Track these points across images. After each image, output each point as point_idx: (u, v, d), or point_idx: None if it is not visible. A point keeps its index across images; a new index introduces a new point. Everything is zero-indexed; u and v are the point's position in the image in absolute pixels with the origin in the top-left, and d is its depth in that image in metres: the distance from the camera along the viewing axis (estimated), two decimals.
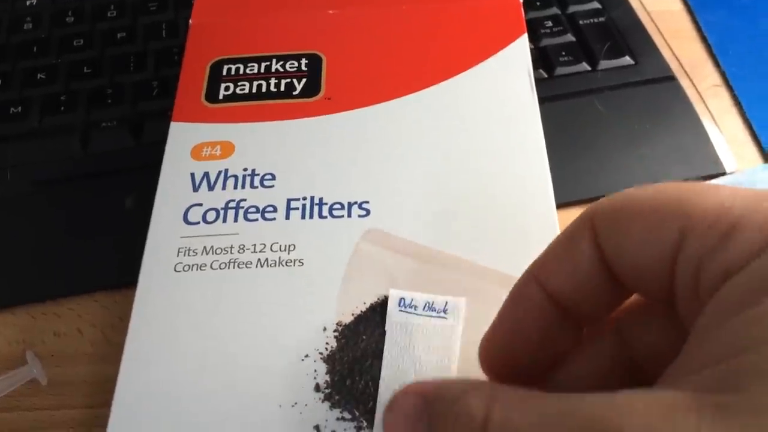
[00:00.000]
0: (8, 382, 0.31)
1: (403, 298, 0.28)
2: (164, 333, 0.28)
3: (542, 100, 0.35)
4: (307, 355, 0.27)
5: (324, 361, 0.27)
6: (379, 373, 0.26)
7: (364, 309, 0.28)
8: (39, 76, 0.41)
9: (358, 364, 0.27)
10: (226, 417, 0.26)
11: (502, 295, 0.27)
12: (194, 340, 0.27)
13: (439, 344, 0.27)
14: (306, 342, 0.27)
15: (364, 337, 0.27)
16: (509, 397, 0.17)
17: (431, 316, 0.27)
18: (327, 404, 0.26)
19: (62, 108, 0.39)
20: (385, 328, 0.27)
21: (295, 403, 0.26)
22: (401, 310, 0.27)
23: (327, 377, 0.26)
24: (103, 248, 0.35)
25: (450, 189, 0.31)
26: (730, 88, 0.40)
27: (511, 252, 0.29)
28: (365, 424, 0.25)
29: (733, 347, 0.14)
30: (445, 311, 0.27)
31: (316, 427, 0.25)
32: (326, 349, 0.27)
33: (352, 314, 0.28)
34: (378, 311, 0.28)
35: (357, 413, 0.26)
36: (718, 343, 0.15)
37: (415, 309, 0.27)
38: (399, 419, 0.20)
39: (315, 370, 0.27)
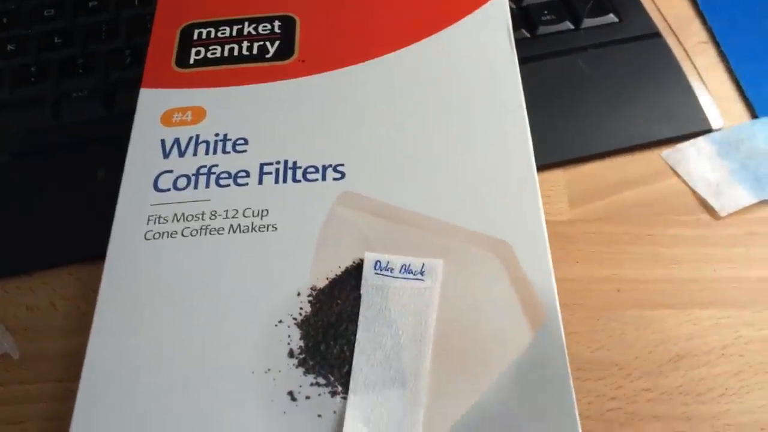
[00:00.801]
0: None
1: (379, 261, 0.27)
2: (134, 302, 0.27)
3: (524, 60, 0.34)
4: (280, 321, 0.26)
5: (298, 327, 0.26)
6: (355, 338, 0.26)
7: (339, 273, 0.27)
8: (9, 47, 0.40)
9: (333, 328, 0.26)
10: (197, 385, 0.25)
11: (480, 256, 0.26)
12: (165, 309, 0.27)
13: (415, 307, 0.26)
14: (279, 307, 0.26)
15: (339, 301, 0.26)
16: None
17: (408, 279, 0.27)
18: (301, 370, 0.25)
19: (33, 79, 0.38)
20: (361, 292, 0.26)
21: (269, 369, 0.25)
22: (377, 273, 0.27)
23: (301, 342, 0.26)
24: (76, 220, 0.34)
25: (427, 150, 0.30)
26: (717, 45, 0.39)
27: (489, 214, 0.28)
28: (340, 389, 0.25)
29: None
30: (422, 273, 0.27)
31: (290, 393, 0.25)
32: (300, 314, 0.26)
33: (327, 278, 0.27)
34: (353, 275, 0.27)
35: (332, 378, 0.25)
36: None
37: (391, 272, 0.27)
38: None
39: (289, 336, 0.26)
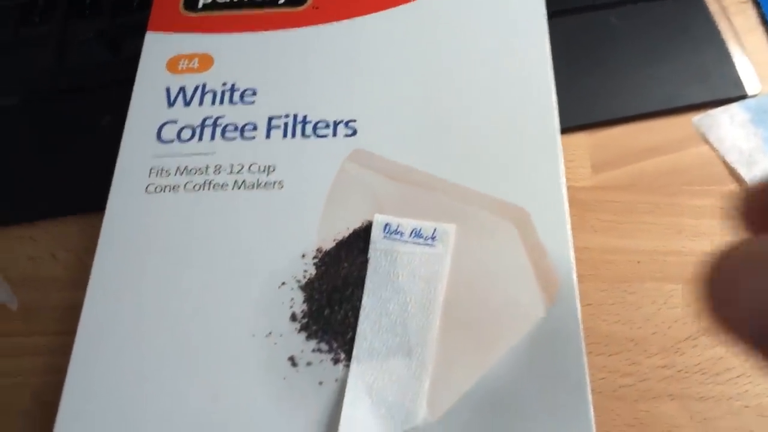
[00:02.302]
0: None
1: (389, 224, 0.26)
2: (133, 257, 0.26)
3: (553, 14, 0.32)
4: (283, 283, 0.25)
5: (302, 290, 0.25)
6: (360, 303, 0.24)
7: (346, 235, 0.26)
8: None
9: (338, 293, 0.25)
10: (196, 345, 0.24)
11: (495, 222, 0.25)
12: (164, 265, 0.26)
13: (425, 273, 0.25)
14: (283, 269, 0.25)
15: (345, 264, 0.25)
16: None
17: (418, 244, 0.25)
18: (303, 335, 0.24)
19: (38, 19, 0.37)
20: (368, 256, 0.25)
21: (270, 333, 0.24)
22: (386, 237, 0.25)
23: (304, 306, 0.25)
24: (81, 169, 0.33)
25: (444, 108, 0.28)
26: (757, 6, 0.36)
27: (507, 177, 0.26)
28: (343, 356, 0.24)
29: None
30: (433, 238, 0.25)
31: (291, 359, 0.24)
32: (305, 276, 0.25)
33: (334, 240, 0.26)
34: (361, 237, 0.26)
35: (335, 344, 0.24)
36: None
37: (401, 236, 0.26)
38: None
39: (292, 299, 0.25)
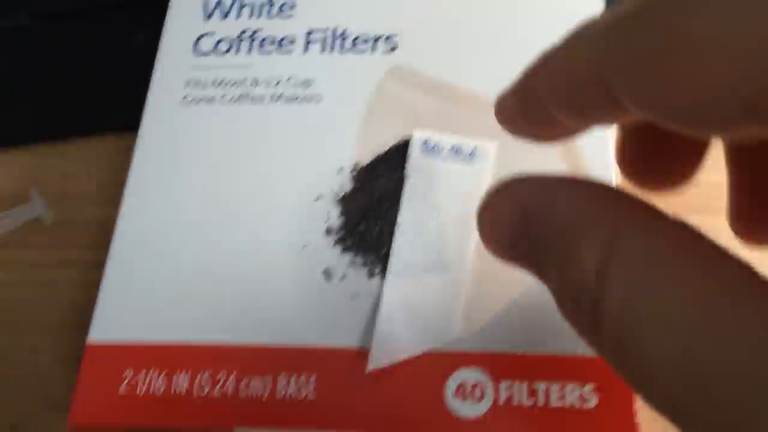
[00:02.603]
0: (12, 218, 0.29)
1: (428, 141, 0.25)
2: (169, 168, 0.26)
3: None
4: (320, 196, 0.25)
5: (338, 204, 0.25)
6: (396, 219, 0.24)
7: (384, 150, 0.25)
8: None
9: (374, 208, 0.24)
10: (230, 256, 0.24)
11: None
12: (199, 177, 0.25)
13: (463, 191, 0.24)
14: (320, 183, 0.25)
15: (382, 180, 0.25)
16: (640, 253, 0.12)
17: (457, 161, 0.25)
18: (338, 248, 0.24)
19: None
20: (406, 173, 0.25)
21: (305, 246, 0.24)
22: (424, 154, 0.25)
23: (340, 220, 0.24)
24: (115, 87, 0.32)
25: (487, 25, 0.27)
26: None
27: None
28: (377, 270, 0.23)
29: None
30: (472, 156, 0.25)
31: (326, 271, 0.23)
32: (341, 191, 0.25)
33: (372, 156, 0.25)
34: (399, 153, 0.25)
35: (369, 259, 0.23)
36: None
37: (439, 153, 0.25)
38: (495, 228, 0.15)
39: (328, 213, 0.24)
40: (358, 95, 0.26)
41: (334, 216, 0.24)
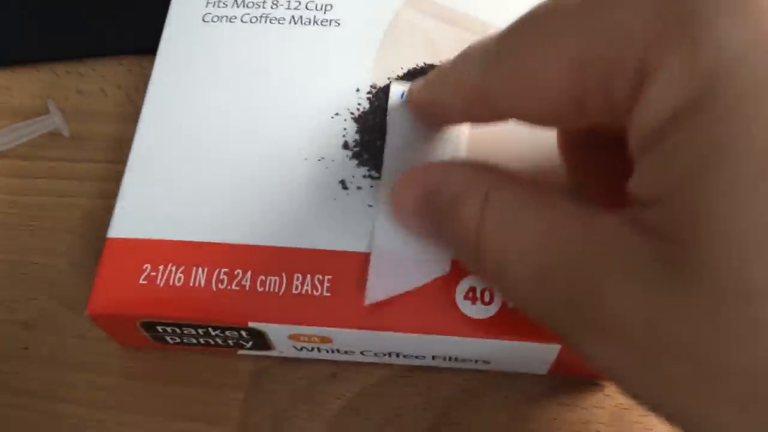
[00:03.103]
0: (29, 129, 0.30)
1: (405, 92, 0.25)
2: (188, 84, 0.26)
3: None
4: (337, 114, 0.25)
5: (355, 121, 0.25)
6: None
7: (401, 74, 0.26)
8: None
9: None
10: (248, 165, 0.25)
11: None
12: (219, 92, 0.26)
13: (444, 136, 0.24)
14: (337, 101, 0.26)
15: None
16: (505, 203, 0.17)
17: None
18: (355, 162, 0.25)
19: None
20: (386, 120, 0.25)
21: (322, 158, 0.25)
22: (404, 104, 0.25)
23: (357, 136, 0.25)
24: (132, 8, 0.33)
25: None
26: None
27: None
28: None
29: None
30: None
31: (342, 182, 0.24)
32: (358, 109, 0.25)
33: (388, 78, 0.26)
34: (415, 77, 0.26)
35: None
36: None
37: None
38: (404, 206, 0.21)
39: (344, 129, 0.25)
40: (377, 20, 0.27)
41: (351, 132, 0.25)
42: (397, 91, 0.25)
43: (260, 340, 0.23)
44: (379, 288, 0.22)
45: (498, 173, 0.19)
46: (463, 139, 0.24)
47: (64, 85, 0.32)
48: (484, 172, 0.19)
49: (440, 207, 0.19)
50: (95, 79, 0.32)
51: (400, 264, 0.22)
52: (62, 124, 0.30)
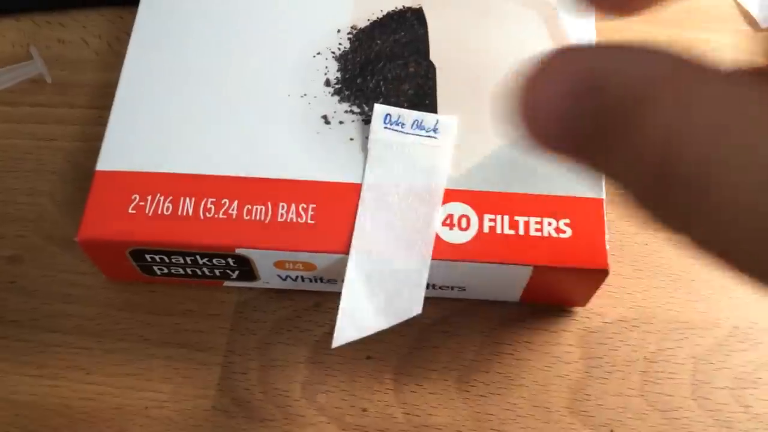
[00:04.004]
0: (11, 74, 0.30)
1: (389, 115, 0.25)
2: (173, 23, 0.27)
3: None
4: (318, 53, 0.26)
5: (336, 60, 0.26)
6: (391, 75, 0.26)
7: (380, 16, 0.27)
8: None
9: (371, 64, 0.26)
10: (232, 101, 0.25)
11: (521, 13, 0.25)
12: (203, 32, 0.27)
13: (426, 165, 0.24)
14: (319, 40, 0.26)
15: (378, 42, 0.26)
16: (719, 100, 0.11)
17: (420, 135, 0.25)
18: (336, 98, 0.25)
19: None
20: (368, 146, 0.25)
21: (305, 95, 0.25)
22: (387, 128, 0.25)
23: (338, 74, 0.26)
24: None
25: None
26: None
27: None
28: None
29: None
30: (435, 130, 0.25)
31: (324, 117, 0.25)
32: (339, 49, 0.26)
33: (368, 20, 0.27)
34: (395, 20, 0.27)
35: (366, 108, 0.25)
36: None
37: (401, 126, 0.25)
38: (539, 109, 0.12)
39: (326, 67, 0.26)
40: None
41: (332, 70, 0.26)
42: (381, 113, 0.25)
43: (246, 269, 0.24)
44: (348, 331, 0.22)
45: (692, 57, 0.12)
46: (442, 183, 0.24)
47: (45, 35, 0.32)
48: (676, 56, 0.12)
49: (608, 108, 0.12)
50: (76, 29, 0.32)
51: (370, 306, 0.23)
52: (44, 70, 0.30)
